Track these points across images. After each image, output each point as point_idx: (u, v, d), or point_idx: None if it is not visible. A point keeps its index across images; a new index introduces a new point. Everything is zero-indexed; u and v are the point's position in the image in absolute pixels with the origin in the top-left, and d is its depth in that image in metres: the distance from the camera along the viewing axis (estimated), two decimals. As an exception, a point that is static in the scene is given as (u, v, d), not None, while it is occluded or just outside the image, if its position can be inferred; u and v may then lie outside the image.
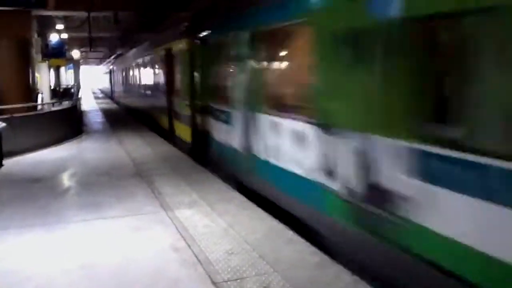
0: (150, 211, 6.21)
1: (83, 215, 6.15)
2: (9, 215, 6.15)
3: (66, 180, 8.63)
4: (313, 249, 4.80)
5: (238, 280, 4.09)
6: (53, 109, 15.02)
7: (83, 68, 66.50)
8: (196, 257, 4.63)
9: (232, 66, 7.51)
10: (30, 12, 16.62)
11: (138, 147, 11.81)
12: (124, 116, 22.00)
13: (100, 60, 70.33)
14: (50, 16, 22.93)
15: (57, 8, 19.39)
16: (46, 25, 24.87)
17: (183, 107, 10.93)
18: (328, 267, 4.35)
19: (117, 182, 7.97)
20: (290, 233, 5.27)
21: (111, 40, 37.22)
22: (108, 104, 32.13)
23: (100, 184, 7.85)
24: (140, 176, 8.36)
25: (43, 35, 25.37)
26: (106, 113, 23.64)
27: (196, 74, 9.92)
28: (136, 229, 5.56)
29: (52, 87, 28.72)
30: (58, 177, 8.63)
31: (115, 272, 4.34)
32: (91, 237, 5.34)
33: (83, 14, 21.42)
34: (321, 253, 4.67)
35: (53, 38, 25.84)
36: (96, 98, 43.21)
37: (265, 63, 6.46)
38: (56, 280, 4.21)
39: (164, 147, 11.72)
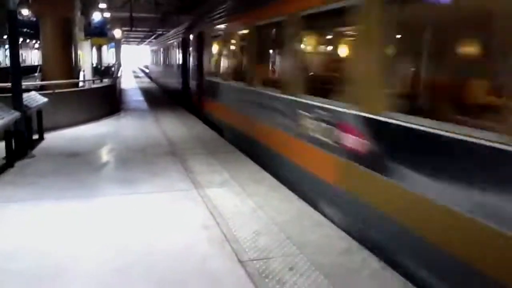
0: (182, 188, 6.30)
1: (117, 189, 6.31)
2: (46, 186, 6.36)
3: (103, 155, 8.84)
4: (341, 233, 4.77)
5: (264, 260, 4.11)
6: (93, 86, 15.36)
7: (124, 47, 67.68)
8: (225, 235, 4.68)
9: None
10: (74, -10, 16.99)
11: (173, 126, 11.97)
12: (161, 96, 22.27)
13: (141, 40, 71.39)
14: (93, -5, 23.41)
15: (100, -13, 19.80)
16: (90, 4, 25.35)
17: None
18: (355, 253, 4.31)
19: (151, 159, 8.11)
20: (318, 216, 5.25)
21: (151, 20, 37.70)
22: (146, 84, 32.57)
23: (135, 160, 8.01)
24: (174, 154, 8.47)
25: (86, 14, 25.90)
26: (144, 92, 24.00)
27: None
28: (167, 205, 5.67)
29: (94, 65, 29.44)
30: (95, 152, 8.86)
31: (146, 246, 4.43)
32: (124, 210, 5.48)
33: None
34: (350, 239, 4.63)
35: (96, 17, 26.32)
36: (136, 77, 43.84)
37: None
38: (88, 251, 4.34)
39: (198, 128, 11.82)
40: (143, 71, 64.86)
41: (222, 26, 10.88)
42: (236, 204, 5.67)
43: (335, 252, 4.32)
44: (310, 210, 5.50)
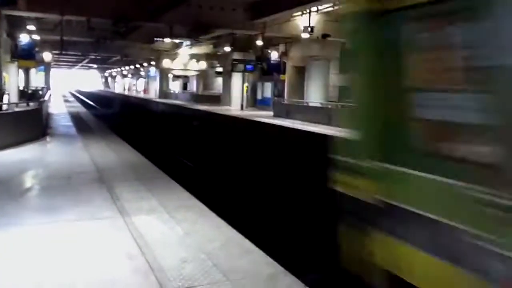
0: (107, 217, 6.08)
1: (37, 218, 5.97)
2: (-42, 216, 5.92)
3: (24, 182, 8.38)
4: (269, 259, 4.77)
5: (189, 289, 4.02)
6: (17, 110, 14.64)
7: (55, 71, 65.47)
8: (149, 264, 4.53)
9: None
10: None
11: (103, 152, 11.61)
12: (91, 121, 21.61)
13: (73, 64, 69.45)
14: (21, 17, 22.51)
15: (28, 9, 19.12)
16: (17, 26, 24.37)
17: None
18: (281, 279, 4.32)
19: (77, 186, 7.79)
20: (247, 243, 5.24)
21: (84, 45, 36.81)
22: (76, 108, 31.46)
23: (59, 187, 7.65)
24: (101, 181, 8.20)
25: (13, 36, 24.85)
26: (74, 116, 23.16)
27: None
28: (91, 234, 5.43)
29: (21, 89, 28.15)
30: (15, 179, 8.37)
31: (66, 279, 4.20)
32: (44, 240, 5.17)
33: (56, 17, 21.13)
34: (277, 265, 4.65)
35: (24, 39, 25.32)
36: (66, 101, 42.27)
37: None
38: (2, 286, 4.05)
39: (129, 154, 11.55)
40: (74, 95, 62.85)
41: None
42: (164, 231, 5.55)
43: (262, 278, 4.31)
44: (240, 237, 5.48)
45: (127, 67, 64.89)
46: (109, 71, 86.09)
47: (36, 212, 6.29)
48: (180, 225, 5.78)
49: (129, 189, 7.64)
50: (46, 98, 23.61)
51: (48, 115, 21.61)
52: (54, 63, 52.33)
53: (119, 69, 74.19)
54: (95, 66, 74.88)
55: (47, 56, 36.72)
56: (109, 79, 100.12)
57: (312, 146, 16.24)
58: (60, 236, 5.34)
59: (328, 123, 19.49)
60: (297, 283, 4.23)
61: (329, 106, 22.78)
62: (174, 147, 17.55)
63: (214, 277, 4.27)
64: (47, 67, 44.59)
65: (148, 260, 4.63)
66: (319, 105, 23.09)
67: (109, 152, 11.62)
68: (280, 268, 4.53)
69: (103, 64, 65.29)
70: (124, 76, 77.43)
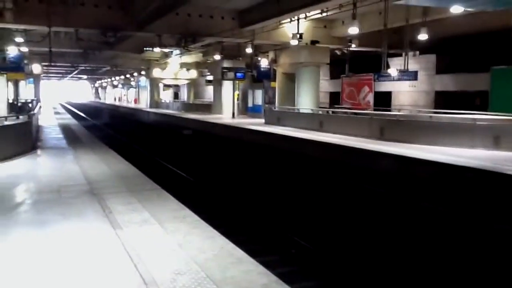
0: (98, 229, 6.03)
1: (26, 233, 5.91)
2: None
3: (12, 197, 8.26)
4: (261, 269, 4.76)
5: (182, 301, 3.99)
6: (6, 123, 14.48)
7: (44, 83, 65.16)
8: (142, 277, 4.50)
9: None
10: (-14, 24, 16.22)
11: (94, 164, 11.53)
12: (82, 132, 21.47)
13: (62, 76, 69.16)
14: (9, 29, 22.39)
15: (15, 21, 19.03)
16: (4, 38, 24.22)
17: None
18: None
19: (67, 200, 7.72)
20: (240, 253, 5.22)
21: (72, 56, 36.70)
22: (67, 120, 31.25)
23: (49, 201, 7.58)
24: (92, 194, 8.13)
25: (1, 48, 24.70)
26: (64, 128, 23.00)
27: None
28: (81, 248, 5.38)
29: (10, 101, 27.98)
30: (4, 194, 8.28)
31: (55, 293, 4.16)
32: (32, 255, 5.12)
33: (44, 28, 21.03)
34: (269, 273, 4.63)
35: (12, 51, 25.16)
36: (56, 113, 41.97)
37: None
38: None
39: (120, 165, 11.48)
40: (64, 107, 62.50)
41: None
42: (156, 243, 5.51)
43: (255, 288, 4.29)
44: (232, 246, 5.45)
45: (117, 77, 64.78)
46: (100, 81, 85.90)
47: (25, 226, 6.20)
48: (172, 237, 5.75)
49: (120, 201, 7.59)
50: (36, 110, 23.41)
51: (38, 128, 21.47)
52: (44, 74, 52.13)
53: (109, 79, 74.03)
54: (85, 77, 74.71)
55: (36, 68, 36.58)
56: (100, 89, 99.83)
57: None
58: (49, 250, 5.28)
59: (319, 129, 19.54)
60: (291, 292, 4.22)
61: (320, 112, 22.84)
62: (166, 156, 17.48)
63: (207, 288, 4.24)
64: (36, 79, 44.42)
65: (140, 273, 4.60)
66: (310, 111, 23.13)
67: (100, 164, 11.55)
68: (274, 278, 4.51)
69: (93, 74, 65.12)
70: (115, 86, 77.24)
